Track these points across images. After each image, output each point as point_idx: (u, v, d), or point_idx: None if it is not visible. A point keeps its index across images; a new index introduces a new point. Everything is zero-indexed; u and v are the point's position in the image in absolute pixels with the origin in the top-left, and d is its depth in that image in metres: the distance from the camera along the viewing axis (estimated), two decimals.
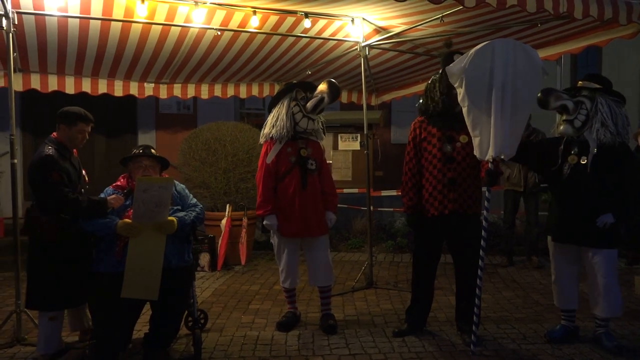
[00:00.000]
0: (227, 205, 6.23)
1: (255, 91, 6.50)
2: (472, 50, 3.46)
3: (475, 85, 3.46)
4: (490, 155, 3.49)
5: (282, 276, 4.19)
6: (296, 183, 3.99)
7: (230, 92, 6.37)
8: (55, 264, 3.43)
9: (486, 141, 3.49)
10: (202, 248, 6.08)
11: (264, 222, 4.08)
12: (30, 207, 3.47)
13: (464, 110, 3.55)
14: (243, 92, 6.45)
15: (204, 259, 6.17)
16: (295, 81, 4.22)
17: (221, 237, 6.05)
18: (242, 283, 5.66)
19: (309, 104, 3.97)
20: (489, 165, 3.53)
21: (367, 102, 5.73)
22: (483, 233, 3.58)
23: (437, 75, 3.83)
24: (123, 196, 3.53)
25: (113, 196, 3.50)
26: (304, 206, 3.99)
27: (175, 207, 3.59)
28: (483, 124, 3.48)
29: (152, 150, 3.69)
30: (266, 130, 4.12)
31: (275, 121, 4.05)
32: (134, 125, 7.85)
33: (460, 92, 3.54)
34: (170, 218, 3.44)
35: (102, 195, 3.54)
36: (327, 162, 4.46)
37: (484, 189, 3.68)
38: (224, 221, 6.13)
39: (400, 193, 4.21)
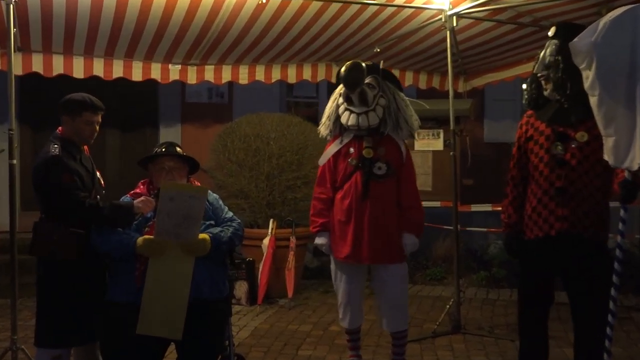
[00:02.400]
0: (271, 221, 6.34)
1: (307, 74, 6.59)
2: (605, 19, 3.33)
3: (609, 66, 3.27)
4: (635, 162, 3.23)
5: (340, 311, 4.26)
6: (355, 192, 4.05)
7: (276, 75, 6.48)
8: (71, 289, 3.60)
9: (624, 143, 3.25)
10: (238, 275, 6.21)
11: (315, 242, 4.17)
12: (39, 221, 3.64)
13: (593, 100, 3.38)
14: (292, 76, 6.55)
15: (241, 288, 6.30)
16: (368, 62, 4.25)
17: (262, 262, 6.16)
18: (289, 321, 5.73)
19: (355, 94, 4.06)
20: (626, 174, 3.33)
21: (454, 88, 5.71)
22: (615, 265, 3.37)
23: (550, 50, 3.78)
24: (154, 198, 3.61)
25: (142, 198, 3.62)
26: (360, 222, 4.03)
27: (207, 223, 3.68)
28: (620, 119, 3.25)
29: (178, 149, 3.80)
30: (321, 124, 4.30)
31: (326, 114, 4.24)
32: (155, 117, 8.12)
33: (589, 77, 3.36)
34: (202, 236, 3.53)
35: None
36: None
37: (611, 204, 3.60)
38: (266, 241, 6.24)
39: (497, 208, 4.19)
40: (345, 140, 4.15)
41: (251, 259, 6.38)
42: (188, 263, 3.47)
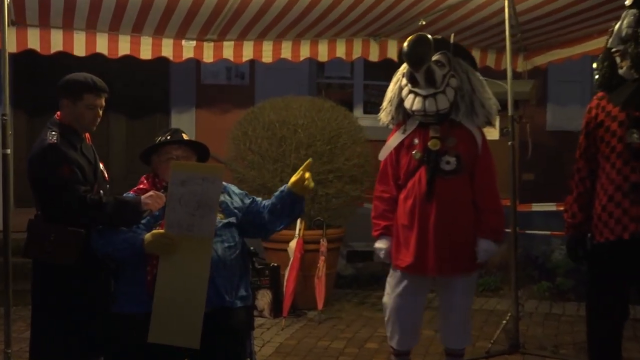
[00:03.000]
0: (298, 221, 6.35)
1: (340, 51, 6.58)
2: None
3: None
4: None
5: (388, 329, 4.25)
6: (418, 192, 4.02)
7: (305, 52, 6.50)
8: (71, 297, 3.65)
9: None
10: (260, 283, 6.23)
11: (375, 245, 4.20)
12: (34, 219, 3.71)
13: None
14: (323, 53, 6.55)
15: (264, 299, 6.32)
16: (436, 35, 4.19)
17: (289, 268, 6.19)
18: (318, 337, 5.75)
19: (420, 73, 4.00)
20: None
21: (512, 67, 5.66)
22: None
23: (628, 21, 3.72)
24: (164, 193, 3.64)
25: (150, 193, 3.65)
26: (425, 227, 4.00)
27: (227, 220, 3.71)
28: None
29: (184, 135, 3.86)
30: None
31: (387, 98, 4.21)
32: (165, 101, 8.18)
33: None
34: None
35: None
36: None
37: None
38: (292, 244, 6.26)
39: (562, 208, 4.14)
40: (409, 129, 4.11)
41: (276, 264, 6.40)
42: (204, 261, 3.49)
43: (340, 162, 6.57)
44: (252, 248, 3.89)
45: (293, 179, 3.71)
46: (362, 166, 6.75)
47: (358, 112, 8.47)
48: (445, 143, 4.02)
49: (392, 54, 6.59)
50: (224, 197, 3.76)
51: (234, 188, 3.95)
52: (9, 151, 4.22)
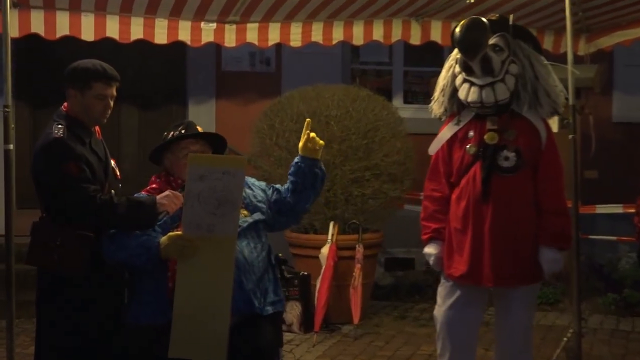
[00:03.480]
0: (331, 225, 6.37)
1: (377, 34, 6.58)
2: None
3: None
4: None
5: (438, 345, 4.23)
6: (472, 191, 4.01)
7: (338, 35, 6.49)
8: (80, 310, 3.68)
9: None
10: (289, 294, 6.24)
11: (424, 251, 4.19)
12: (39, 222, 3.75)
13: None
14: (358, 36, 6.55)
15: (293, 311, 6.33)
16: (492, 16, 4.16)
17: (320, 277, 6.19)
18: (354, 354, 5.75)
19: (475, 62, 3.94)
20: None
21: (573, 50, 5.60)
22: None
23: None
24: (182, 193, 3.69)
25: (166, 193, 3.70)
26: (480, 231, 3.99)
27: (252, 218, 3.75)
28: None
29: (198, 127, 3.91)
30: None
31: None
32: (182, 90, 8.23)
33: None
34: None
35: None
36: None
37: None
38: (325, 250, 6.26)
39: (631, 210, 4.10)
40: (464, 121, 4.08)
41: (306, 273, 6.42)
42: (228, 264, 3.51)
43: (378, 159, 6.57)
44: (280, 254, 3.90)
45: (300, 144, 3.90)
46: (402, 163, 6.74)
47: (397, 101, 8.45)
48: (503, 136, 3.97)
49: (436, 36, 6.57)
50: (245, 192, 3.79)
51: (252, 180, 4.01)
52: (11, 147, 4.25)
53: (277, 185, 4.01)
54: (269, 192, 3.96)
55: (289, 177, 3.93)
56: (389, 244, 7.46)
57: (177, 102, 8.24)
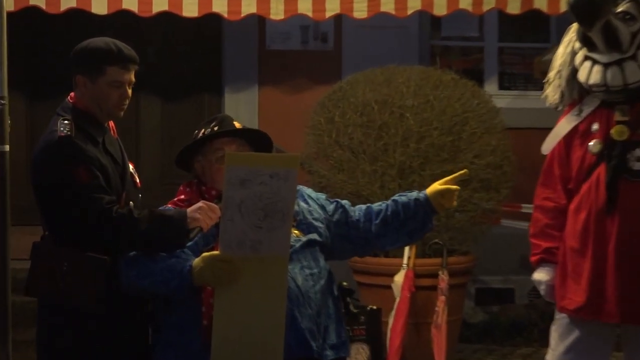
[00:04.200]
0: (407, 247, 6.35)
1: (465, 1, 6.61)
2: None
3: None
4: None
5: None
6: (595, 199, 3.98)
7: (414, 3, 6.55)
8: (90, 354, 3.69)
9: None
10: (354, 334, 6.21)
11: (533, 277, 4.17)
12: (40, 242, 3.78)
13: None
14: (440, 4, 6.61)
15: (359, 356, 6.29)
16: None
17: (394, 312, 6.17)
18: None
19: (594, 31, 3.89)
20: None
21: None
22: None
23: None
24: (218, 203, 3.66)
25: (199, 204, 3.66)
26: (603, 251, 3.95)
27: (306, 238, 3.75)
28: None
29: (235, 123, 3.91)
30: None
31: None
32: (217, 75, 8.29)
33: None
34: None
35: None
36: None
37: None
38: (399, 278, 6.23)
39: None
40: (587, 111, 4.07)
41: (375, 307, 6.38)
42: (278, 294, 3.51)
43: (467, 161, 6.49)
44: (344, 283, 3.90)
45: (439, 187, 3.83)
46: (498, 166, 6.67)
47: (491, 87, 8.39)
48: (636, 131, 3.94)
49: (540, 3, 6.52)
50: (298, 206, 3.79)
51: (308, 191, 4.00)
52: (6, 148, 4.32)
53: (346, 202, 3.97)
54: (330, 208, 3.94)
55: (391, 203, 3.88)
56: (481, 270, 7.40)
57: (209, 90, 8.30)
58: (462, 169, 6.31)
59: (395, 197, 3.88)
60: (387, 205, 3.87)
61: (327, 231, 3.88)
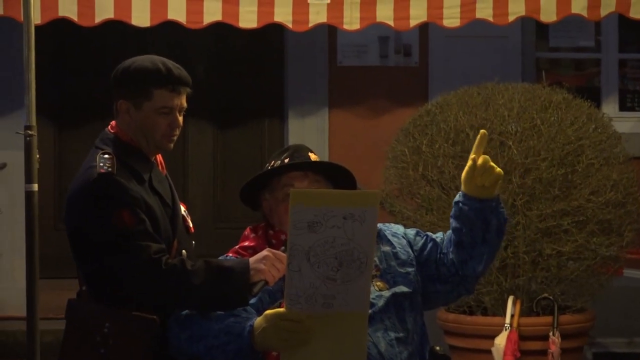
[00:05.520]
0: (510, 301, 6.31)
1: (578, 4, 6.58)
2: None
3: None
4: None
5: None
6: None
7: (516, 8, 6.58)
8: None
9: None
10: None
11: None
12: (77, 299, 3.86)
13: None
14: (548, 9, 6.62)
15: None
16: None
17: None
18: None
19: None
20: None
21: None
22: None
23: None
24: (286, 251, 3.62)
25: (264, 253, 3.67)
26: None
27: (390, 291, 3.77)
28: None
29: (311, 155, 3.93)
30: None
31: None
32: (278, 97, 8.37)
33: None
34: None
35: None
36: None
37: None
38: (501, 341, 6.21)
39: None
40: None
41: None
42: (357, 359, 3.51)
43: (583, 198, 6.45)
44: (437, 348, 3.89)
45: (463, 174, 3.79)
46: (620, 204, 6.61)
47: (610, 108, 8.37)
48: None
49: None
50: (379, 251, 3.80)
51: (394, 228, 4.01)
52: (35, 187, 4.38)
53: (437, 235, 3.98)
54: (419, 243, 3.94)
55: (450, 221, 3.88)
56: (600, 331, 7.34)
57: (270, 115, 8.40)
58: (576, 210, 6.37)
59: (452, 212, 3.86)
60: (453, 225, 3.86)
61: (417, 276, 3.87)
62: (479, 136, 3.76)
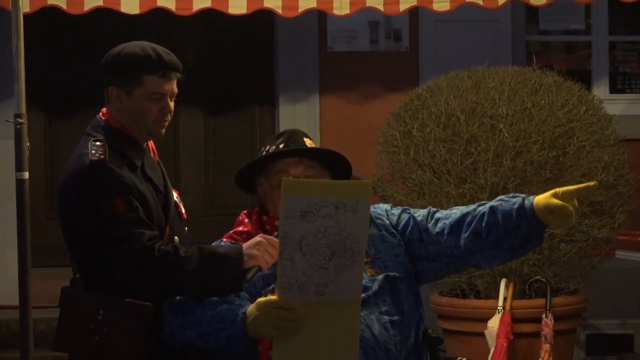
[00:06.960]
0: (502, 283, 6.34)
1: None
2: None
3: None
4: None
5: None
6: None
7: None
8: None
9: None
10: None
11: None
12: (70, 287, 3.85)
13: None
14: None
15: None
16: None
17: None
18: None
19: None
20: None
21: None
22: None
23: None
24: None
25: (257, 239, 3.67)
26: None
27: (381, 275, 3.75)
28: None
29: (307, 141, 3.92)
30: None
31: None
32: (269, 83, 8.38)
33: None
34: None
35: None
36: None
37: None
38: (494, 323, 6.21)
39: None
40: None
41: (465, 359, 6.37)
42: (348, 346, 3.49)
43: (574, 181, 6.40)
44: (430, 330, 3.89)
45: (551, 200, 3.57)
46: (612, 186, 6.64)
47: (601, 90, 8.38)
48: None
49: None
50: (371, 235, 3.75)
51: (379, 209, 3.96)
52: (26, 175, 4.36)
53: (420, 213, 3.89)
54: (402, 221, 3.89)
55: (488, 210, 3.71)
56: (593, 312, 7.37)
57: (261, 101, 8.40)
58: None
59: (495, 202, 3.71)
60: (483, 214, 3.69)
61: (407, 257, 3.84)
62: (586, 185, 3.66)
